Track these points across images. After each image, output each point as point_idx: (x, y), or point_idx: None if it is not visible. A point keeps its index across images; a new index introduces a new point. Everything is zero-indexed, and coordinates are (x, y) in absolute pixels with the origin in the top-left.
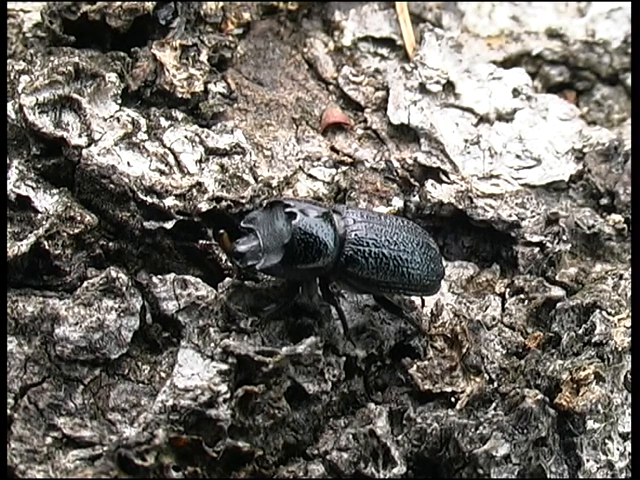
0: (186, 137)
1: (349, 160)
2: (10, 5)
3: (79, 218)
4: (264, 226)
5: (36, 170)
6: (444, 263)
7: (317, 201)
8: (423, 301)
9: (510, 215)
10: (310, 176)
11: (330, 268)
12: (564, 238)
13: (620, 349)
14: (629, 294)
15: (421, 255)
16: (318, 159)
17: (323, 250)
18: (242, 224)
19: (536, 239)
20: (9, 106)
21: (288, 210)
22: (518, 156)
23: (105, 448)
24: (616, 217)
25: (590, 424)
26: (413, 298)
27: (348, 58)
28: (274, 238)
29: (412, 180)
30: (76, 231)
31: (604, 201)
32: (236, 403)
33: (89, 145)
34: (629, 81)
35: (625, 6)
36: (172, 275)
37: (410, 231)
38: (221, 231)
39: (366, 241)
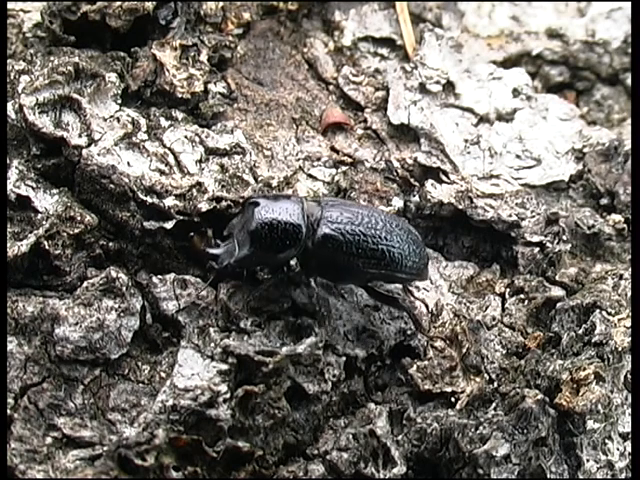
0: (186, 137)
1: (349, 160)
2: (10, 5)
3: (79, 218)
4: (238, 226)
5: (36, 170)
6: (444, 263)
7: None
8: (427, 306)
9: (510, 215)
10: (310, 176)
11: (308, 252)
12: (564, 238)
13: (620, 349)
14: (629, 294)
15: (401, 236)
16: (318, 159)
17: (290, 230)
18: (224, 233)
19: (536, 239)
20: (9, 106)
21: (252, 201)
22: (518, 156)
23: (105, 448)
24: (616, 217)
25: (590, 424)
26: (411, 300)
27: (348, 58)
28: (244, 232)
29: (412, 180)
30: (76, 231)
31: (604, 201)
32: (236, 403)
33: (89, 145)
34: (629, 81)
35: (625, 6)
36: (172, 275)
37: (389, 216)
38: (191, 234)
39: (342, 219)
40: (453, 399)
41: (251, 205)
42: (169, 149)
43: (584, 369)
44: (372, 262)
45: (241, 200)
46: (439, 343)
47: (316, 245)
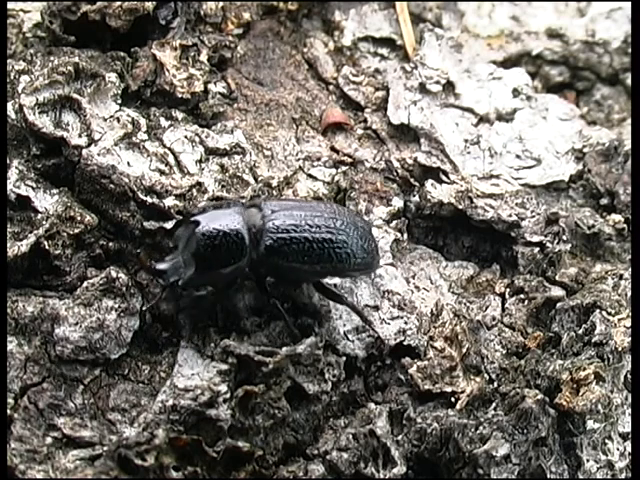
0: (186, 137)
1: (349, 160)
2: (10, 5)
3: (79, 218)
4: (183, 241)
5: (36, 170)
6: (444, 263)
7: (233, 200)
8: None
9: (510, 215)
10: (310, 176)
11: (254, 262)
12: (564, 238)
13: (620, 349)
14: (629, 294)
15: (348, 234)
16: (318, 159)
17: (234, 248)
18: (170, 243)
19: (536, 239)
20: (9, 106)
21: (192, 219)
22: (518, 156)
23: (105, 448)
24: (616, 217)
25: (590, 424)
26: (411, 300)
27: (348, 58)
28: (188, 251)
29: (412, 180)
30: (76, 231)
31: (604, 201)
32: (236, 403)
33: (89, 145)
34: (629, 81)
35: (625, 6)
36: None
37: (333, 213)
38: (138, 250)
39: (285, 228)
40: (453, 399)
41: (191, 224)
42: (169, 149)
43: (584, 369)
44: (319, 265)
45: (241, 200)
46: (439, 343)
47: (261, 256)
